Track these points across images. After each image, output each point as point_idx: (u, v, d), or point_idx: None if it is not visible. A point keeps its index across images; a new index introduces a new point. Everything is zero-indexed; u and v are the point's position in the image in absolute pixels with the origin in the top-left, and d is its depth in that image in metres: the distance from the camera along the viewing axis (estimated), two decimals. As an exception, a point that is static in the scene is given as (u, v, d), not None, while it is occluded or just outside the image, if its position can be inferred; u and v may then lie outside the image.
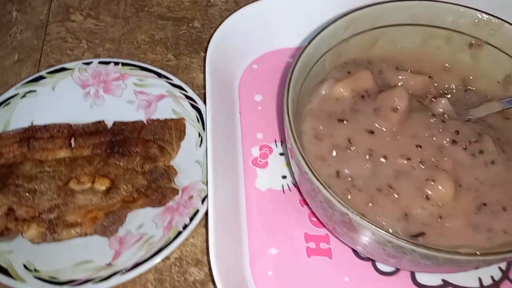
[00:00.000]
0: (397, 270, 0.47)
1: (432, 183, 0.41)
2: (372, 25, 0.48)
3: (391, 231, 0.35)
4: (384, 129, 0.45)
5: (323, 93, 0.47)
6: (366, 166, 0.42)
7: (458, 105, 0.48)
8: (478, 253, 0.34)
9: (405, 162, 0.43)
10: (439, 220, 0.40)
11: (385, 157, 0.43)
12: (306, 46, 0.44)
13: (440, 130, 0.44)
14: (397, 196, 0.41)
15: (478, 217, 0.40)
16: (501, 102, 0.47)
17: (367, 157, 0.43)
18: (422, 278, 0.47)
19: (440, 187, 0.41)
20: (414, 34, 0.50)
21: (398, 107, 0.44)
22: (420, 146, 0.44)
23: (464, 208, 0.41)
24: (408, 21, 0.49)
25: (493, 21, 0.47)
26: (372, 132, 0.44)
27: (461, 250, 0.34)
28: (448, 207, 0.41)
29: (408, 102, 0.45)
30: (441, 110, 0.47)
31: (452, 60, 0.51)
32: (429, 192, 0.41)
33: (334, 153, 0.43)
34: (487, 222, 0.40)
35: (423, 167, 0.42)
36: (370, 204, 0.41)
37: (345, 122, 0.45)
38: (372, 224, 0.35)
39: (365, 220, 0.35)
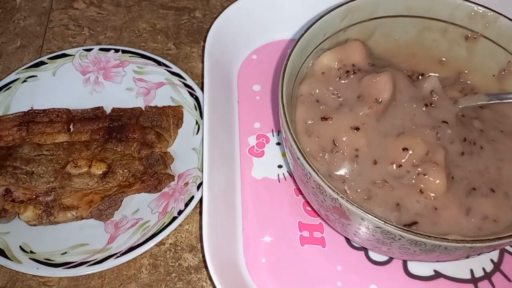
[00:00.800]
0: (390, 260, 0.47)
1: (424, 177, 0.42)
2: (369, 15, 0.49)
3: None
4: (369, 125, 0.44)
5: (310, 65, 0.47)
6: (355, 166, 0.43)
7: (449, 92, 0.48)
8: (466, 240, 0.34)
9: (394, 168, 0.43)
10: (434, 211, 0.40)
11: (375, 162, 0.43)
12: (303, 34, 0.45)
13: (428, 120, 0.45)
14: (391, 189, 0.42)
15: (469, 200, 0.41)
16: (487, 96, 0.48)
17: (355, 158, 0.43)
18: (414, 268, 0.47)
19: (432, 180, 0.41)
20: (411, 26, 0.50)
21: (381, 99, 0.44)
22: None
23: (456, 196, 0.41)
24: (404, 12, 0.49)
25: (489, 14, 0.47)
26: (357, 129, 0.44)
27: (449, 237, 0.34)
28: (442, 198, 0.41)
29: (392, 93, 0.44)
30: (430, 89, 0.46)
31: (448, 53, 0.51)
32: (422, 186, 0.41)
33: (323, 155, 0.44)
34: (478, 206, 0.40)
35: (416, 162, 0.42)
36: (365, 197, 0.42)
37: (329, 121, 0.44)
38: (361, 209, 0.35)
39: (355, 205, 0.36)
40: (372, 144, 0.43)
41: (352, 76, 0.46)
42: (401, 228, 0.35)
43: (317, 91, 0.46)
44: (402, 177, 0.42)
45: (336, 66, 0.47)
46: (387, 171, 0.43)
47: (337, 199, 0.36)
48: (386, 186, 0.42)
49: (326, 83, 0.47)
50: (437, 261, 0.40)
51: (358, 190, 0.42)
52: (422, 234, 0.34)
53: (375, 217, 0.35)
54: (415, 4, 0.48)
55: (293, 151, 0.39)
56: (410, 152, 0.42)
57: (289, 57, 0.44)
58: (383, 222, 0.35)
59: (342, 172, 0.43)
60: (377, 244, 0.39)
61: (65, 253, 0.47)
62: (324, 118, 0.45)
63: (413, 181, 0.42)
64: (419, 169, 0.42)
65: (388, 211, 0.41)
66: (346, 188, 0.42)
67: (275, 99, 0.57)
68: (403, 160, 0.42)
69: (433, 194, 0.41)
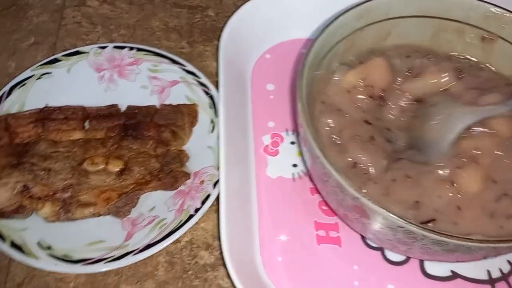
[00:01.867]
0: (406, 260, 0.47)
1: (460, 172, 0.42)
2: (385, 15, 0.49)
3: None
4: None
5: (336, 79, 0.47)
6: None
7: None
8: (490, 240, 0.34)
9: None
10: (456, 210, 0.40)
11: None
12: (320, 34, 0.45)
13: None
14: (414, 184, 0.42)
15: (497, 205, 0.41)
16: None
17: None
18: (431, 268, 0.47)
19: (466, 177, 0.41)
20: (426, 26, 0.51)
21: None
22: None
23: (485, 200, 0.41)
24: (420, 13, 0.50)
25: (506, 15, 0.47)
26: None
27: (473, 237, 0.34)
28: (470, 198, 0.41)
29: None
30: None
31: (464, 54, 0.51)
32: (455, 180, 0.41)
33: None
34: (504, 210, 0.40)
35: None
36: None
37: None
38: (383, 209, 0.36)
39: (376, 205, 0.36)
40: None
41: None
42: (425, 228, 0.35)
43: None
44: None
45: (361, 84, 0.47)
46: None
47: (359, 198, 0.37)
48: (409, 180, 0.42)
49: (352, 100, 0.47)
50: (457, 261, 0.41)
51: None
52: (446, 234, 0.34)
53: (398, 216, 0.35)
54: (431, 5, 0.49)
55: (313, 149, 0.39)
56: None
57: (307, 57, 0.44)
58: (405, 222, 0.35)
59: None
60: (397, 243, 0.39)
61: (83, 250, 0.47)
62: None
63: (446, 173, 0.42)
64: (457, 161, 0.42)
65: (405, 209, 0.41)
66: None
67: (293, 97, 0.57)
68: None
69: (462, 192, 0.41)
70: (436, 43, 0.51)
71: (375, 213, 0.36)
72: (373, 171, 0.43)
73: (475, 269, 0.47)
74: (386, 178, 0.42)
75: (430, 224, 0.39)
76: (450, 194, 0.41)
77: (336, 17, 0.46)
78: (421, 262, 0.47)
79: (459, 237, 0.34)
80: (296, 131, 0.55)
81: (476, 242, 0.34)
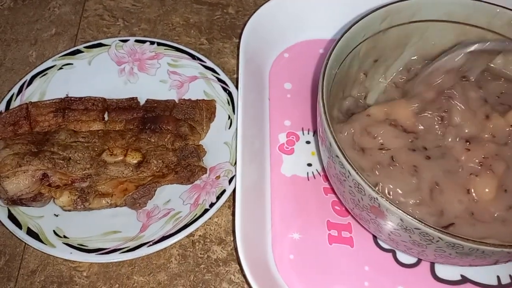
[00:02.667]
0: (417, 262, 0.47)
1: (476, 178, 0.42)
2: (409, 18, 0.49)
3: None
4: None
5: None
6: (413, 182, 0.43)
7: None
8: (505, 244, 0.34)
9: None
10: (470, 216, 0.41)
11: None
12: (344, 34, 0.45)
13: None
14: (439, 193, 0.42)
15: (508, 213, 0.41)
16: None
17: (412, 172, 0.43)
18: (441, 272, 0.47)
19: (481, 183, 0.42)
20: (449, 31, 0.51)
21: None
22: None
23: (497, 208, 0.42)
24: (444, 17, 0.50)
25: (530, 22, 0.47)
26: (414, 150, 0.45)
27: (488, 241, 0.35)
28: (483, 205, 0.42)
29: None
30: None
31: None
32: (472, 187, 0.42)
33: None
34: None
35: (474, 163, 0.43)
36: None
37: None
38: (401, 210, 0.36)
39: (394, 206, 0.36)
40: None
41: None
42: (441, 230, 0.35)
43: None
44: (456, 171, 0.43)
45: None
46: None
47: (377, 199, 0.37)
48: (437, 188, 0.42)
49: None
50: (469, 265, 0.41)
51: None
52: (461, 237, 0.35)
53: (415, 218, 0.36)
54: (456, 10, 0.49)
55: (332, 148, 0.40)
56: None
57: (329, 56, 0.44)
58: (423, 224, 0.35)
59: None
60: (412, 245, 0.39)
61: (98, 239, 0.48)
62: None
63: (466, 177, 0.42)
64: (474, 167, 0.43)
65: (428, 216, 0.41)
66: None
67: (314, 97, 0.57)
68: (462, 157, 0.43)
69: (477, 198, 0.42)
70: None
71: (392, 213, 0.37)
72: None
73: (485, 274, 0.47)
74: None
75: (450, 228, 0.40)
76: (466, 200, 0.41)
77: (360, 18, 0.46)
78: (432, 265, 0.47)
79: (475, 240, 0.35)
80: (313, 130, 0.55)
81: (491, 246, 0.35)
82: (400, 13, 0.48)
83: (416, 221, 0.35)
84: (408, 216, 0.36)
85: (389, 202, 0.36)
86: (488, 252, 0.35)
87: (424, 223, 0.35)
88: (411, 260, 0.48)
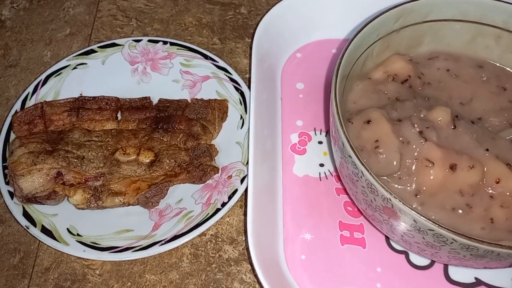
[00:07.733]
0: (430, 264, 0.47)
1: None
2: (423, 18, 0.49)
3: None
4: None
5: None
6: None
7: None
8: (521, 247, 0.34)
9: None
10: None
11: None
12: (357, 33, 0.45)
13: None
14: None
15: None
16: None
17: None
18: (455, 274, 0.47)
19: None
20: (464, 31, 0.50)
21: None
22: None
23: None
24: (458, 17, 0.49)
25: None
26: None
27: (504, 243, 0.34)
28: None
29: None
30: None
31: (500, 61, 0.51)
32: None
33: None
34: None
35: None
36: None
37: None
38: (414, 211, 0.36)
39: (407, 206, 0.36)
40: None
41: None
42: (455, 232, 0.35)
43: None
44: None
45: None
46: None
47: (390, 199, 0.37)
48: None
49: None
50: (484, 268, 0.40)
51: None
52: (476, 239, 0.34)
53: (428, 219, 0.35)
54: (471, 9, 0.48)
55: (344, 148, 0.40)
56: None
57: (343, 55, 0.44)
58: (437, 225, 0.35)
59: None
60: (425, 247, 0.39)
61: (111, 237, 0.48)
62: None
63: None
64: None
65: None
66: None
67: (326, 96, 0.57)
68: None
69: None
70: (471, 48, 0.51)
71: (405, 214, 0.36)
72: None
73: (500, 277, 0.47)
74: None
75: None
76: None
77: (374, 17, 0.46)
78: (445, 267, 0.47)
79: (490, 242, 0.34)
80: (326, 130, 0.55)
81: (506, 248, 0.34)
82: (414, 13, 0.48)
83: (430, 222, 0.35)
84: (421, 217, 0.35)
85: (403, 203, 0.36)
86: (503, 255, 0.35)
87: (438, 224, 0.35)
88: (424, 262, 0.47)
